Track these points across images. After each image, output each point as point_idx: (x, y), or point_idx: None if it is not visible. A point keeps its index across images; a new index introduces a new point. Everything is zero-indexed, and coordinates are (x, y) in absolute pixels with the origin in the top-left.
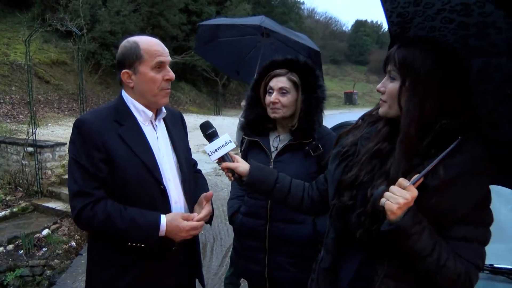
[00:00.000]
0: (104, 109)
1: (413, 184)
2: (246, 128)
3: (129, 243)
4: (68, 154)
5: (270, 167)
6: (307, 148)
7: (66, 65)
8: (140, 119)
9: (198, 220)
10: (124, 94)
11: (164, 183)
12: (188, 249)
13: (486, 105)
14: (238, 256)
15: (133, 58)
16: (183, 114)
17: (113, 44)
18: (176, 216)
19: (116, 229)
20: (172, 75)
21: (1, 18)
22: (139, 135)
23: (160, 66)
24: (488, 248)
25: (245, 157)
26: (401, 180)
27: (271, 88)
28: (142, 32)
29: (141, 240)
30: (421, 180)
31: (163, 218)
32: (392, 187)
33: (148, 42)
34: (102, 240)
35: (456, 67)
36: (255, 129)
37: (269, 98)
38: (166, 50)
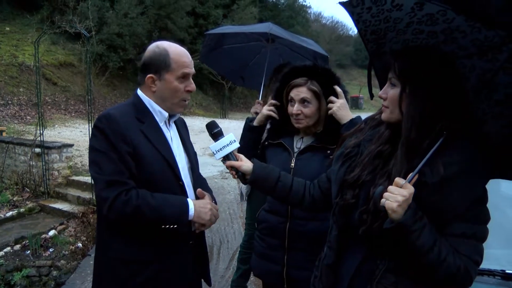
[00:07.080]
0: (124, 105)
1: (409, 182)
2: (271, 132)
3: (162, 226)
4: (74, 156)
5: (292, 164)
6: (328, 152)
7: (73, 67)
8: (156, 118)
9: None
10: (141, 93)
11: (182, 180)
12: (198, 247)
13: (469, 104)
14: (258, 255)
15: (161, 65)
16: (189, 117)
17: (120, 46)
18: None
19: (150, 207)
20: (193, 87)
21: (10, 20)
22: (159, 134)
23: (184, 76)
24: (499, 254)
25: (263, 154)
26: (397, 179)
27: (292, 98)
28: (149, 34)
29: (174, 218)
30: (416, 177)
31: (189, 199)
32: (390, 187)
33: (178, 52)
34: (125, 235)
35: (449, 70)
36: (279, 132)
37: (291, 109)
38: (192, 61)
